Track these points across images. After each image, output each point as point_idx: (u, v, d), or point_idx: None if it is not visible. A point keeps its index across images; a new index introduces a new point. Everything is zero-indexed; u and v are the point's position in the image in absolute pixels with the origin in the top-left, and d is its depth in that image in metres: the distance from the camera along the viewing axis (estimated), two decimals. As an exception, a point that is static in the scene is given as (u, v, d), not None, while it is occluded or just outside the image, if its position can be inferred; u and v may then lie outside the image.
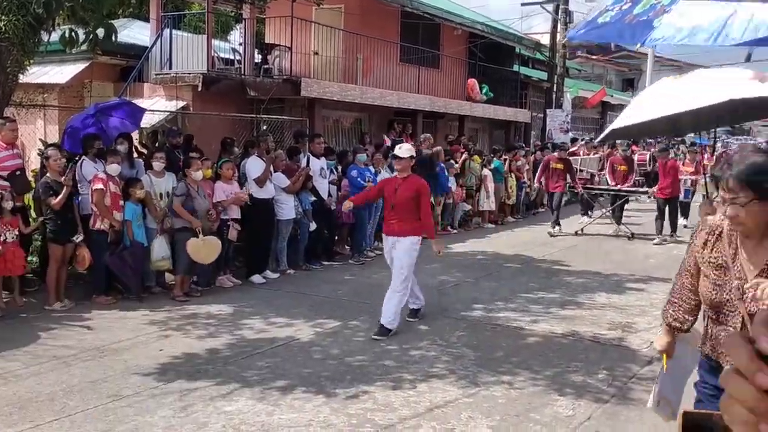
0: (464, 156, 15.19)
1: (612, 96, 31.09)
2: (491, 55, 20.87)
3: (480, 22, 19.80)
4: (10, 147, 8.19)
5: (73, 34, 8.74)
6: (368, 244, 11.63)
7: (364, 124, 16.64)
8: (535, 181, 15.54)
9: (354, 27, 15.60)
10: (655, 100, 4.23)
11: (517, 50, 23.54)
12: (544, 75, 23.92)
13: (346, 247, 11.73)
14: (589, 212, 15.80)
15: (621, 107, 33.24)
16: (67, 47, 8.85)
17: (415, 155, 7.30)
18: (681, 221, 14.99)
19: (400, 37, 17.39)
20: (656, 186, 14.06)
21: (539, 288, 9.40)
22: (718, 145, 26.29)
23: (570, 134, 21.97)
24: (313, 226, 10.40)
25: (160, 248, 8.56)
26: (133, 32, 14.73)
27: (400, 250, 7.22)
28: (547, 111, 22.23)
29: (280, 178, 10.05)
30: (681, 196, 14.55)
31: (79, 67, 13.01)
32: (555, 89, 22.57)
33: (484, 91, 19.79)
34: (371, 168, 11.51)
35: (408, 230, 7.24)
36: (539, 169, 15.03)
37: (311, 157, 10.76)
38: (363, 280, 9.78)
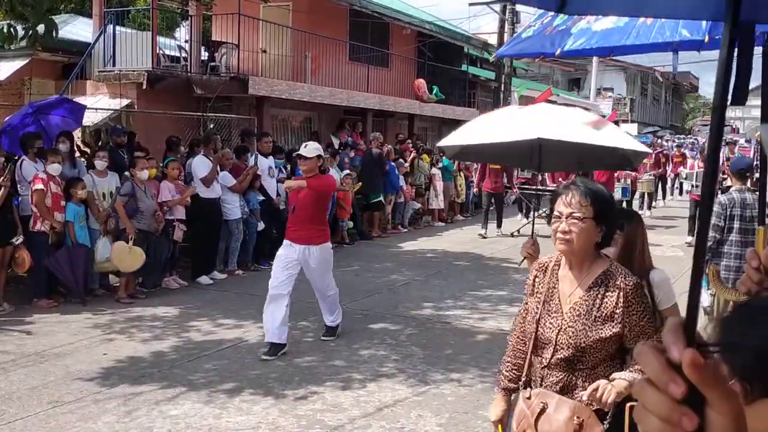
0: (413, 155, 15.26)
1: (558, 95, 31.60)
2: (440, 55, 20.98)
3: (429, 22, 19.88)
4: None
5: (11, 29, 8.47)
6: (318, 244, 11.55)
7: (313, 123, 16.55)
8: (475, 184, 15.10)
9: (302, 25, 15.51)
10: (487, 126, 4.23)
11: (466, 50, 23.72)
12: (492, 74, 24.16)
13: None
14: (528, 213, 15.40)
15: (567, 106, 33.92)
16: (5, 43, 8.56)
17: (322, 154, 6.74)
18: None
19: (349, 35, 17.35)
20: None
21: (488, 285, 9.48)
22: (672, 144, 27.08)
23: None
24: (261, 225, 10.30)
25: (103, 249, 8.37)
26: (76, 28, 14.38)
27: (318, 263, 6.64)
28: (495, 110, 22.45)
29: (226, 177, 9.92)
30: (618, 195, 14.25)
31: (19, 63, 12.62)
32: (503, 89, 22.80)
33: (434, 92, 19.88)
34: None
35: (319, 236, 6.62)
36: (478, 170, 14.74)
37: (259, 156, 10.65)
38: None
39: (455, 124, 22.33)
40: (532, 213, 14.85)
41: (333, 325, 6.97)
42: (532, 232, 4.21)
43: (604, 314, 2.57)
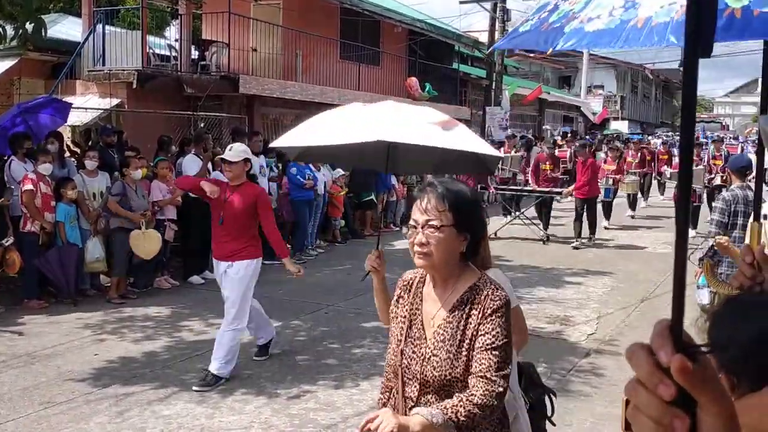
0: None
1: (549, 93, 31.67)
2: (431, 53, 20.99)
3: (419, 20, 19.89)
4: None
5: (0, 29, 8.42)
6: (310, 243, 11.56)
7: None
8: None
9: (293, 23, 15.48)
10: (331, 125, 3.76)
11: (456, 48, 23.74)
12: (482, 72, 24.18)
13: (288, 245, 11.62)
14: (508, 215, 14.66)
15: (557, 104, 34.00)
16: (-6, 43, 8.52)
17: (249, 157, 6.04)
18: (604, 223, 14.47)
19: (340, 34, 17.33)
20: (572, 185, 13.23)
21: (480, 283, 9.48)
22: (657, 141, 26.81)
23: (509, 131, 22.28)
24: (253, 224, 10.26)
25: (94, 249, 8.33)
26: (65, 27, 14.31)
27: (232, 279, 5.68)
28: (486, 108, 22.47)
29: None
30: (601, 196, 13.83)
31: (8, 63, 12.55)
32: (494, 87, 22.83)
33: (426, 89, 19.89)
34: (311, 166, 11.43)
35: (241, 252, 5.71)
36: None
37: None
38: (305, 279, 9.67)
39: (446, 122, 22.42)
40: (513, 214, 14.06)
41: (261, 344, 6.32)
42: (378, 244, 3.46)
43: (468, 338, 2.20)
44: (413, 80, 19.20)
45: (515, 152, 16.91)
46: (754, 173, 10.51)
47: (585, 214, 12.64)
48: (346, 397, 5.38)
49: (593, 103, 38.78)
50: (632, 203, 16.90)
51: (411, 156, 3.89)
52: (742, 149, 22.00)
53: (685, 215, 0.77)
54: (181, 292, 8.92)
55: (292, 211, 11.26)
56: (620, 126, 39.03)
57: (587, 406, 5.29)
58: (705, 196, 14.23)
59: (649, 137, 31.76)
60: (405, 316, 2.34)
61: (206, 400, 5.28)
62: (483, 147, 3.85)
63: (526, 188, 14.04)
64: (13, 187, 8.18)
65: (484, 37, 24.36)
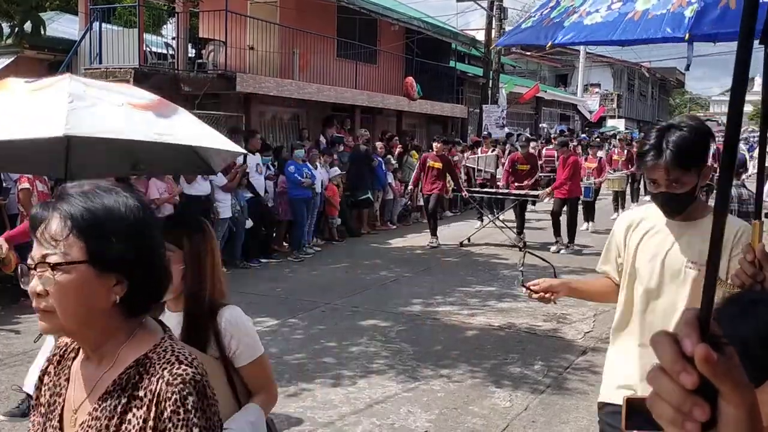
0: (398, 150, 15.25)
1: (545, 92, 31.69)
2: (428, 51, 20.98)
3: (416, 18, 19.88)
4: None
5: (-3, 27, 8.41)
6: (307, 241, 11.56)
7: (301, 120, 16.52)
8: (410, 183, 13.10)
9: (290, 22, 15.46)
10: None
11: (454, 46, 23.74)
12: (479, 71, 24.19)
13: (285, 244, 11.64)
14: (482, 219, 13.65)
15: (554, 102, 34.03)
16: (-9, 41, 8.50)
17: None
18: (584, 226, 13.68)
19: (337, 32, 17.31)
20: (551, 185, 12.45)
21: (477, 281, 9.51)
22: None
23: (506, 129, 22.29)
24: (249, 223, 10.27)
25: (91, 248, 8.32)
26: (62, 25, 14.28)
27: None
28: (483, 106, 22.49)
29: (218, 176, 9.89)
30: (582, 196, 12.91)
31: (4, 61, 12.52)
32: (491, 85, 22.84)
33: (416, 89, 19.91)
34: (308, 164, 11.44)
35: None
36: (416, 169, 12.77)
37: (247, 154, 10.62)
38: (302, 277, 9.72)
39: (443, 120, 22.42)
40: (486, 219, 12.95)
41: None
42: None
43: None
44: (411, 80, 19.19)
45: (491, 151, 16.20)
46: (749, 171, 10.51)
47: (565, 216, 11.88)
48: (343, 395, 5.39)
49: (590, 102, 38.81)
50: (621, 203, 15.77)
51: (94, 155, 2.99)
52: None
53: (724, 203, 0.77)
54: (178, 290, 8.91)
55: (290, 209, 11.27)
56: (617, 124, 39.08)
57: (584, 403, 5.31)
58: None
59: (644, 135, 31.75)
60: (44, 405, 1.50)
61: (204, 398, 5.27)
62: (210, 139, 3.10)
63: (501, 191, 13.05)
64: (9, 186, 8.18)
65: (481, 36, 24.38)
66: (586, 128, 34.77)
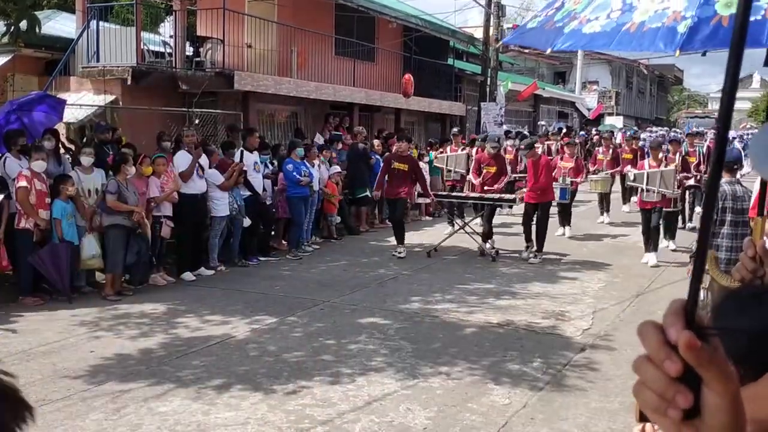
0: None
1: (544, 89, 31.69)
2: (426, 49, 20.96)
3: (414, 16, 19.86)
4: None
5: (-7, 25, 8.40)
6: (305, 239, 11.55)
7: (299, 118, 16.51)
8: (375, 187, 11.74)
9: (288, 19, 15.44)
10: None
11: (452, 44, 23.72)
12: (478, 68, 24.17)
13: (283, 242, 11.63)
14: (453, 224, 12.51)
15: (552, 100, 34.01)
16: (-13, 39, 8.49)
17: None
18: (560, 231, 12.77)
19: (335, 30, 17.30)
20: (520, 191, 11.46)
21: (475, 279, 9.51)
22: (645, 135, 26.65)
23: (504, 127, 22.27)
24: (247, 222, 10.26)
25: (89, 246, 8.33)
26: (59, 24, 14.24)
27: None
28: (482, 104, 22.47)
29: (214, 174, 9.89)
30: (556, 198, 11.87)
31: (1, 60, 12.50)
32: (489, 82, 22.82)
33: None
34: (306, 162, 11.42)
35: None
36: (380, 172, 11.59)
37: (245, 152, 10.63)
38: (300, 275, 9.72)
39: (441, 118, 22.42)
40: (456, 225, 11.92)
41: None
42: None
43: None
44: (410, 77, 19.15)
45: (461, 150, 14.58)
46: (745, 169, 10.41)
47: (535, 222, 10.85)
48: (342, 392, 5.39)
49: (588, 99, 38.81)
50: (606, 206, 14.65)
51: None
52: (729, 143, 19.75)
53: (711, 196, 0.78)
54: (176, 288, 8.92)
55: (288, 207, 11.26)
56: (615, 121, 39.05)
57: (582, 401, 5.31)
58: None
59: (641, 132, 31.55)
60: None
61: (202, 396, 5.28)
62: None
63: (472, 195, 11.75)
64: (8, 183, 8.17)
65: (479, 33, 24.36)
66: (585, 125, 34.77)
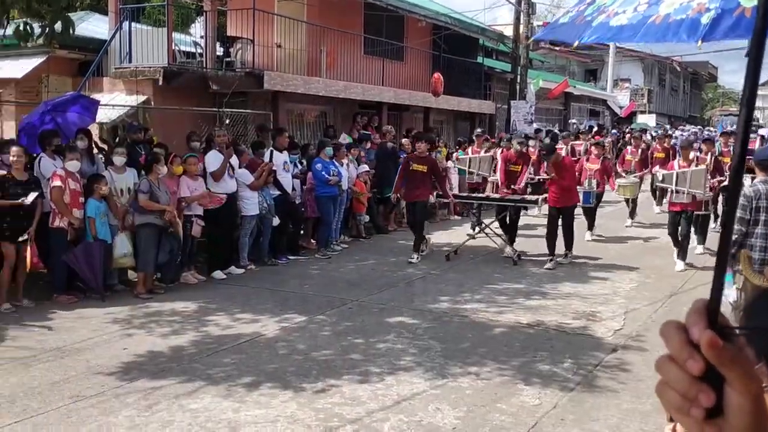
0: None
1: (575, 87, 31.40)
2: (455, 47, 20.90)
3: (443, 14, 19.80)
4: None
5: (27, 27, 8.53)
6: (334, 238, 11.59)
7: (329, 117, 16.55)
8: (393, 190, 11.20)
9: (317, 19, 15.50)
10: None
11: (481, 42, 23.61)
12: (507, 66, 24.02)
13: (312, 241, 11.67)
14: (477, 225, 11.92)
15: (583, 98, 33.70)
16: (22, 41, 8.63)
17: None
18: (586, 235, 12.33)
19: (363, 29, 17.32)
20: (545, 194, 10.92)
21: (505, 278, 9.45)
22: (677, 133, 26.24)
23: (534, 125, 22.12)
24: (276, 221, 10.31)
25: (122, 245, 8.43)
26: (92, 25, 14.45)
27: None
28: (511, 102, 22.34)
29: (244, 174, 9.96)
30: (581, 201, 11.50)
31: (36, 61, 12.72)
32: (519, 80, 22.67)
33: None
34: (335, 162, 11.45)
35: None
36: (398, 174, 11.06)
37: (274, 151, 10.68)
38: (329, 274, 9.75)
39: (470, 117, 22.33)
40: (476, 228, 11.58)
41: None
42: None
43: None
44: (439, 76, 19.11)
45: (485, 152, 14.22)
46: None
47: (561, 226, 10.41)
48: (370, 391, 5.39)
49: (620, 97, 38.39)
50: (631, 210, 14.18)
51: None
52: (762, 141, 18.15)
53: (734, 196, 0.77)
54: (207, 287, 9.00)
55: (317, 206, 11.29)
56: (648, 119, 38.58)
57: (614, 402, 5.25)
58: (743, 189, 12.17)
59: (674, 131, 31.08)
60: None
61: (233, 394, 5.32)
62: None
63: (492, 196, 11.51)
64: (42, 183, 8.31)
65: (509, 31, 24.21)
66: (617, 123, 34.41)
